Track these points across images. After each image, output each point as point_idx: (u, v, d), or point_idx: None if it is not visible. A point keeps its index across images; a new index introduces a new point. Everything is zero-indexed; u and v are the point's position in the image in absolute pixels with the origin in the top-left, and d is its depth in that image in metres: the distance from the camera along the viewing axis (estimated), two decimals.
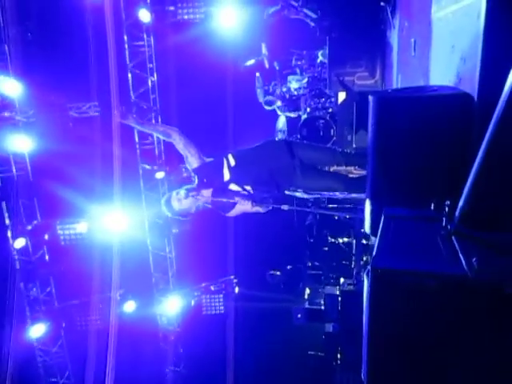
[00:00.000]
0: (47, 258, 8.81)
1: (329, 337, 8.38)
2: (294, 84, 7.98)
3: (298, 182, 3.67)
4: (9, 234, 8.17)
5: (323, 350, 9.01)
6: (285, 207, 3.40)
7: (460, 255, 1.34)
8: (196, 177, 3.61)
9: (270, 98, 8.01)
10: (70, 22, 8.40)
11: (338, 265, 9.20)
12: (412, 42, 3.70)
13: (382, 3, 5.57)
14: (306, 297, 9.53)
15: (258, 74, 8.12)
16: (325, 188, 3.81)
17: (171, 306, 10.17)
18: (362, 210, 2.35)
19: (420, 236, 1.59)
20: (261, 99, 8.16)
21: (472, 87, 1.98)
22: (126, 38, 8.63)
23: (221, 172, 3.61)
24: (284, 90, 8.02)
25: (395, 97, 2.17)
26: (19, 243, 8.18)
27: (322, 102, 7.70)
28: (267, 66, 8.17)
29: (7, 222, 8.09)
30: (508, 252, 1.40)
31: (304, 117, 7.62)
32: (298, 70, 8.14)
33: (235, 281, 10.76)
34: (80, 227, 8.62)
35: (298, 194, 3.86)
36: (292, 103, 8.02)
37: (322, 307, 8.37)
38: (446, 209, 1.59)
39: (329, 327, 8.40)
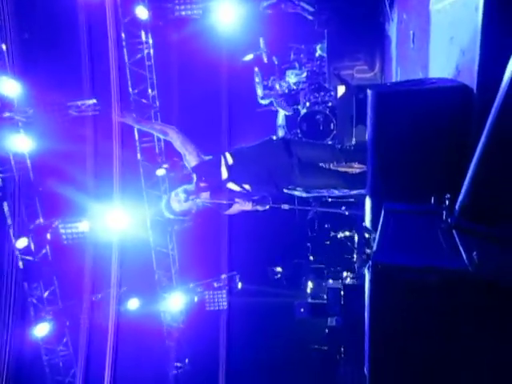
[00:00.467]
0: (50, 257, 8.83)
1: (332, 331, 8.41)
2: (293, 78, 7.95)
3: (297, 181, 3.65)
4: (11, 233, 8.18)
5: (326, 343, 9.04)
6: (285, 206, 3.39)
7: (460, 249, 1.34)
8: (194, 175, 3.60)
9: (266, 92, 7.98)
10: (68, 20, 8.37)
11: (340, 259, 9.22)
12: (411, 34, 3.68)
13: None
14: (308, 291, 9.55)
15: (256, 69, 8.10)
16: (324, 185, 3.80)
17: (175, 303, 10.20)
18: (363, 205, 2.34)
19: (420, 230, 1.59)
20: (260, 94, 8.14)
21: (471, 79, 1.97)
22: (123, 35, 8.60)
23: (219, 170, 3.60)
24: (283, 84, 8.00)
25: (394, 90, 2.16)
26: (21, 243, 8.19)
27: (322, 96, 7.67)
28: (266, 60, 8.14)
29: (9, 221, 8.10)
30: (508, 245, 1.40)
31: (303, 111, 7.59)
32: (296, 65, 8.11)
33: (238, 276, 10.77)
34: (82, 226, 8.63)
35: (297, 193, 3.85)
36: (291, 98, 7.99)
37: (325, 301, 8.39)
38: (447, 202, 1.59)
39: (332, 321, 8.42)
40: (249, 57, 8.29)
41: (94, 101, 8.66)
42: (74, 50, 8.42)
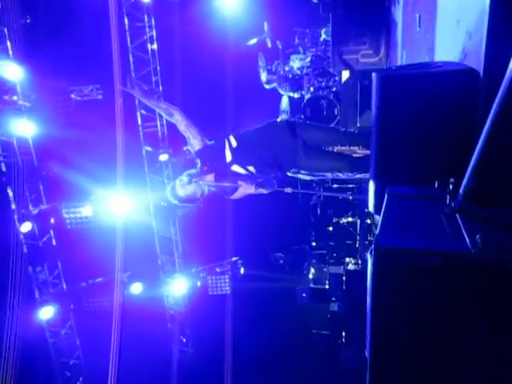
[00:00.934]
0: (54, 241, 8.89)
1: (334, 315, 8.48)
2: (297, 63, 7.88)
3: (302, 163, 3.63)
4: (15, 218, 8.23)
5: (328, 328, 9.12)
6: (288, 190, 3.38)
7: (464, 233, 1.34)
8: (198, 160, 3.59)
9: (270, 77, 7.92)
10: (70, 4, 8.29)
11: (343, 244, 9.24)
12: (417, 17, 3.63)
13: None
14: (310, 276, 9.60)
15: (260, 54, 8.02)
16: (328, 168, 3.78)
17: (178, 287, 10.29)
18: (367, 190, 2.33)
19: (424, 214, 1.58)
20: (264, 79, 8.08)
21: (478, 62, 1.94)
22: (126, 19, 8.52)
23: (223, 154, 3.58)
24: (287, 69, 7.94)
25: (399, 74, 2.13)
26: (26, 227, 8.25)
27: (326, 81, 7.61)
28: (270, 45, 8.06)
29: (13, 206, 8.15)
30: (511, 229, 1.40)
31: (307, 96, 7.55)
32: (300, 49, 8.04)
33: (240, 262, 10.83)
34: (85, 211, 8.67)
35: (301, 176, 3.83)
36: (295, 82, 7.93)
37: (327, 286, 8.45)
38: (450, 186, 1.58)
39: (333, 306, 8.49)
40: (253, 41, 8.21)
41: (97, 85, 8.62)
42: (76, 34, 8.34)
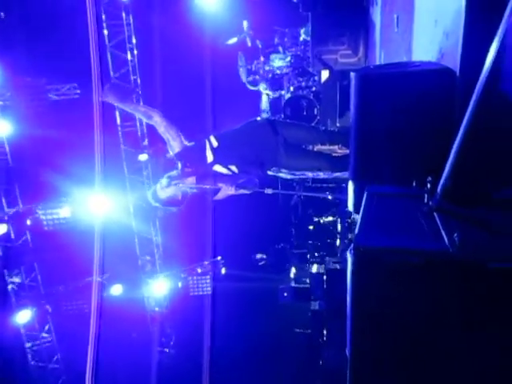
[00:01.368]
0: (30, 243, 8.70)
1: (315, 314, 8.51)
2: (277, 62, 7.90)
3: (283, 161, 3.64)
4: None
5: (309, 327, 9.16)
6: (269, 191, 3.37)
7: (442, 231, 1.34)
8: (179, 162, 3.55)
9: (254, 77, 7.91)
10: (46, 0, 8.13)
11: (323, 244, 9.30)
12: (395, 17, 3.66)
13: None
14: (292, 276, 9.64)
15: (240, 53, 8.00)
16: (309, 167, 3.79)
17: (158, 288, 10.20)
18: (346, 189, 2.34)
19: (402, 213, 1.59)
20: (244, 79, 8.07)
21: (454, 62, 1.96)
22: (104, 16, 8.39)
23: (204, 154, 3.56)
24: (267, 68, 7.93)
25: (377, 73, 2.14)
26: (1, 229, 8.05)
27: (305, 81, 7.65)
28: (249, 44, 8.05)
29: None
30: (489, 227, 1.41)
31: (287, 96, 7.57)
32: (280, 49, 8.06)
33: (222, 262, 10.80)
34: (63, 212, 8.51)
35: (282, 175, 3.84)
36: (275, 82, 7.94)
37: (308, 286, 8.48)
38: (428, 185, 1.59)
39: (315, 305, 8.52)
40: (233, 40, 8.19)
41: (74, 84, 8.47)
42: (53, 32, 8.18)
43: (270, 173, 3.68)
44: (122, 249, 9.56)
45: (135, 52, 8.74)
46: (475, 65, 1.49)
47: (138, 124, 9.09)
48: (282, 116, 7.34)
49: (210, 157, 3.57)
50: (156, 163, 9.21)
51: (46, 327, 9.21)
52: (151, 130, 9.28)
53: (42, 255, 8.97)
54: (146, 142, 9.27)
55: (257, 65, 7.98)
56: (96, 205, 8.37)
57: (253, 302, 11.03)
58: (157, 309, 10.75)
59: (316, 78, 7.35)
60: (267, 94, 8.06)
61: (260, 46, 8.04)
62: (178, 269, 10.52)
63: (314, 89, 7.53)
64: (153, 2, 8.68)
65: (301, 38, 7.78)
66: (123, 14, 8.47)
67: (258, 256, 10.72)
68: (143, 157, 9.23)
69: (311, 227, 9.51)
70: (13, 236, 8.34)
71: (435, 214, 1.48)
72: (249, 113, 8.08)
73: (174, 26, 8.59)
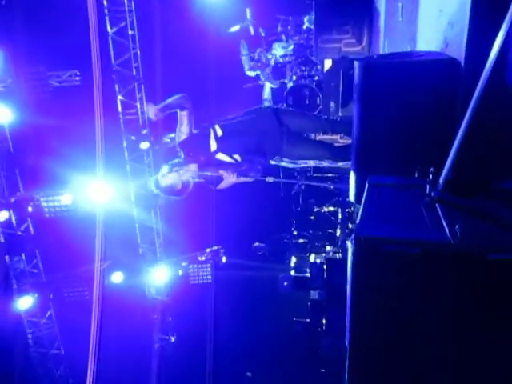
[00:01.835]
0: (32, 230, 8.72)
1: (314, 304, 8.55)
2: (280, 51, 7.82)
3: (285, 150, 3.63)
4: None
5: (309, 316, 9.20)
6: (270, 179, 3.37)
7: (443, 222, 1.34)
8: (182, 151, 3.55)
9: (253, 63, 7.84)
10: None
11: (324, 233, 9.31)
12: (399, 6, 3.62)
13: None
14: (292, 265, 9.66)
15: (242, 41, 7.93)
16: (311, 156, 3.79)
17: (159, 276, 10.24)
18: (348, 179, 2.34)
19: (403, 204, 1.59)
20: (246, 67, 8.00)
21: (459, 52, 1.94)
22: (105, 3, 8.31)
23: (207, 143, 3.55)
24: (270, 57, 7.86)
25: (381, 62, 2.12)
26: (2, 216, 8.06)
27: (308, 70, 7.58)
28: (252, 32, 7.98)
29: None
30: (491, 218, 1.41)
31: (290, 85, 7.50)
32: (283, 37, 7.98)
33: (222, 250, 10.82)
34: (64, 199, 8.51)
35: (284, 164, 3.83)
36: (278, 71, 7.88)
37: (308, 275, 8.50)
38: (430, 176, 1.58)
39: (314, 294, 8.56)
40: (235, 28, 8.11)
41: (75, 71, 8.42)
42: (54, 18, 8.11)
43: (272, 162, 3.68)
44: (123, 236, 9.58)
45: (137, 39, 8.66)
46: (480, 55, 1.47)
47: (139, 112, 9.05)
48: (285, 105, 7.29)
49: (213, 145, 3.56)
50: (158, 151, 9.19)
51: (48, 314, 9.27)
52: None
53: (44, 242, 9.00)
54: (147, 130, 9.23)
55: (259, 53, 7.90)
56: (97, 192, 8.38)
57: (253, 290, 11.08)
58: (157, 297, 10.81)
59: (319, 67, 7.29)
60: (270, 83, 8.00)
61: (263, 35, 7.97)
62: (178, 257, 10.55)
63: (316, 78, 7.47)
64: None
65: (304, 27, 7.70)
66: (125, 1, 8.39)
67: (258, 245, 10.73)
68: (145, 145, 9.20)
69: (312, 217, 9.52)
70: (14, 223, 8.36)
71: (437, 204, 1.48)
72: (251, 100, 8.04)
73: (176, 14, 8.52)
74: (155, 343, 11.21)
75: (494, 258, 1.18)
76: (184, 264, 10.59)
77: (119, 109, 8.95)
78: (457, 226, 1.25)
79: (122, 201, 9.14)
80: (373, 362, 1.45)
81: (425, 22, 2.87)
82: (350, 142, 3.59)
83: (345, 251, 7.58)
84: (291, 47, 7.82)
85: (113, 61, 8.65)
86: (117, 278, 9.59)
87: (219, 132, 3.58)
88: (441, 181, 1.49)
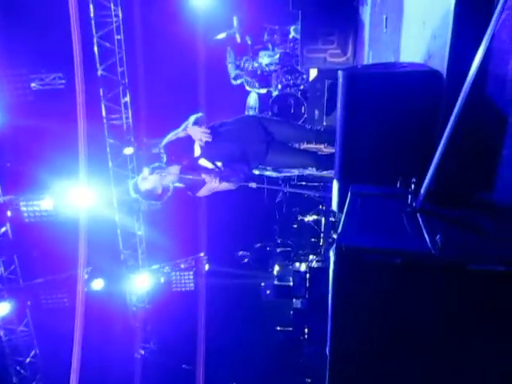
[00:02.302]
0: (10, 235, 8.55)
1: (297, 312, 8.54)
2: (266, 60, 7.86)
3: (268, 159, 3.63)
4: None
5: (291, 325, 9.19)
6: (253, 185, 3.36)
7: (424, 232, 1.35)
8: (164, 154, 3.51)
9: (238, 72, 7.86)
10: None
11: (307, 242, 9.33)
12: (384, 18, 3.66)
13: None
14: (275, 273, 9.64)
15: (229, 48, 7.95)
16: (295, 164, 3.79)
17: (140, 283, 10.13)
18: (331, 188, 2.34)
19: (385, 213, 1.59)
20: (232, 74, 8.02)
21: (441, 64, 1.97)
22: (91, 6, 8.26)
23: (192, 147, 3.53)
24: (255, 65, 7.89)
25: (364, 72, 2.14)
26: None
27: (294, 79, 7.62)
28: (239, 40, 8.00)
29: None
30: (471, 229, 1.42)
31: (275, 93, 7.54)
32: (269, 46, 8.02)
33: (205, 258, 10.77)
34: (45, 204, 8.37)
35: (268, 173, 3.83)
36: (263, 79, 7.91)
37: (291, 283, 8.49)
38: (412, 186, 1.59)
39: (297, 303, 8.55)
40: (222, 35, 8.13)
41: (59, 74, 8.33)
42: (38, 20, 8.03)
43: (256, 172, 3.67)
44: (105, 242, 9.47)
45: (123, 43, 8.62)
46: (462, 67, 1.49)
47: (123, 117, 8.99)
48: (270, 113, 7.31)
49: (197, 150, 3.54)
50: (141, 156, 9.12)
51: (25, 321, 9.07)
52: (137, 123, 9.19)
53: (22, 247, 8.83)
54: (131, 136, 9.17)
55: (245, 61, 7.93)
56: (79, 197, 8.27)
57: (236, 298, 11.03)
58: (139, 304, 10.67)
59: (304, 76, 7.34)
60: (256, 92, 8.02)
61: (249, 43, 7.99)
62: (160, 264, 10.46)
63: (301, 87, 7.52)
64: None
65: (290, 36, 7.76)
66: (111, 5, 8.35)
67: (241, 253, 10.70)
68: (128, 150, 9.13)
69: (295, 225, 9.53)
70: None
71: (418, 214, 1.49)
72: (236, 107, 8.04)
73: (162, 19, 8.51)
74: (136, 351, 11.05)
75: (475, 268, 1.19)
76: (166, 271, 10.49)
77: (103, 113, 8.87)
78: (438, 236, 1.25)
79: (105, 206, 9.04)
80: (352, 370, 1.44)
81: (408, 34, 2.91)
82: (333, 151, 3.60)
83: (328, 260, 7.61)
84: (277, 56, 7.87)
85: (98, 65, 8.58)
86: (97, 284, 9.46)
87: None
88: (422, 191, 1.50)
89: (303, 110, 7.14)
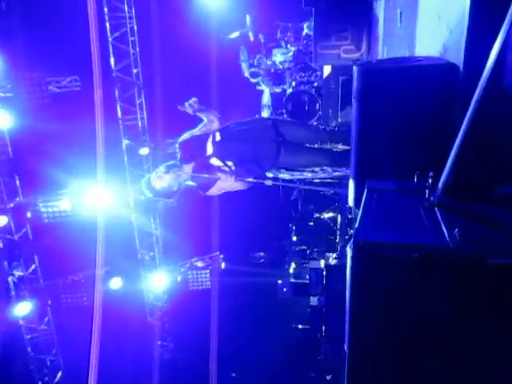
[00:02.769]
0: (31, 235, 8.70)
1: (314, 310, 8.50)
2: (279, 57, 7.84)
3: (282, 160, 3.63)
4: None
5: (308, 322, 9.16)
6: (268, 182, 3.37)
7: (442, 227, 1.34)
8: (179, 152, 3.55)
9: (254, 69, 7.85)
10: None
11: (323, 239, 9.28)
12: (398, 12, 3.63)
13: None
14: (291, 271, 9.62)
15: (242, 47, 7.96)
16: (310, 164, 3.78)
17: (158, 282, 10.21)
18: (347, 185, 2.33)
19: (403, 208, 1.58)
20: (246, 73, 8.02)
21: (458, 58, 1.95)
22: (106, 9, 8.35)
23: (204, 146, 3.56)
24: (269, 63, 7.89)
25: (379, 67, 2.13)
26: (1, 221, 8.06)
27: (308, 76, 7.59)
28: (252, 38, 8.00)
29: None
30: (489, 223, 1.40)
31: (289, 91, 7.51)
32: (283, 43, 8.00)
33: (221, 256, 10.81)
34: (63, 205, 8.51)
35: (281, 176, 3.82)
36: (277, 77, 7.90)
37: (307, 281, 8.46)
38: (430, 181, 1.58)
39: (314, 301, 8.51)
40: (235, 34, 8.14)
41: (75, 77, 8.45)
42: (54, 24, 8.16)
43: (269, 174, 3.67)
44: (122, 242, 9.58)
45: (137, 45, 8.70)
46: (479, 60, 1.47)
47: (139, 117, 9.07)
48: (284, 111, 7.30)
49: (209, 149, 3.57)
50: (157, 156, 9.20)
51: (45, 319, 9.23)
52: (152, 124, 9.27)
53: (42, 248, 8.98)
54: (147, 136, 9.25)
55: (259, 59, 7.93)
56: (96, 198, 8.38)
57: (252, 296, 11.05)
58: (156, 303, 10.77)
59: (318, 73, 7.30)
60: (269, 90, 8.01)
61: (262, 41, 7.98)
62: (177, 263, 10.53)
63: (315, 84, 7.48)
64: None
65: (303, 33, 7.73)
66: (125, 7, 8.44)
67: (258, 255, 10.73)
68: (144, 150, 9.21)
69: (311, 223, 9.49)
70: (13, 228, 8.35)
71: (436, 209, 1.47)
72: (251, 106, 8.05)
73: (175, 20, 8.56)
74: (154, 350, 11.15)
75: (493, 263, 1.18)
76: (183, 270, 10.56)
77: (119, 115, 8.97)
78: (456, 231, 1.25)
79: (121, 206, 9.14)
80: (372, 367, 1.44)
81: (423, 28, 2.88)
82: (348, 148, 3.58)
83: (344, 257, 7.56)
84: (291, 53, 7.85)
85: (113, 66, 8.68)
86: (115, 283, 9.56)
87: (218, 137, 3.59)
88: (440, 185, 1.49)
89: (317, 107, 7.11)
